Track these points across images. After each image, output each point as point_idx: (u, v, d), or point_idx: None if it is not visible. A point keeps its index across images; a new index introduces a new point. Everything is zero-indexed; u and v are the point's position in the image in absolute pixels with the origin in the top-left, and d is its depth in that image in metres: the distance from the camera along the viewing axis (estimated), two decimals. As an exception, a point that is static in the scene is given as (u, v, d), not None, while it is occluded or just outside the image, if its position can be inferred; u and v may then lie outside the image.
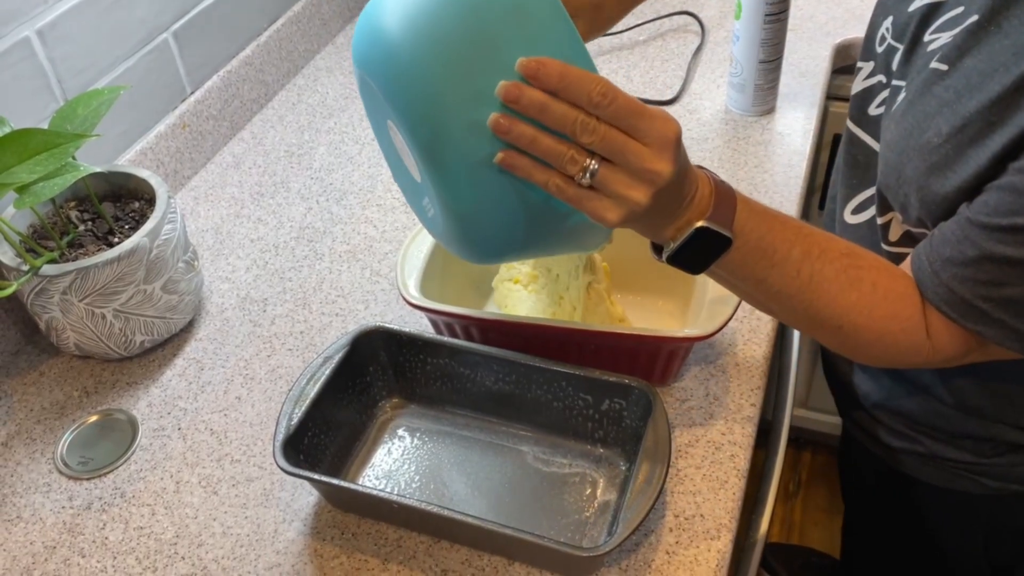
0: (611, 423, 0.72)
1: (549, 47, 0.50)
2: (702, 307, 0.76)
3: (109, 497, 0.73)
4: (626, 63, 1.20)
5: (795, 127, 1.07)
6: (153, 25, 0.98)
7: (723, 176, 1.00)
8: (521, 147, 0.51)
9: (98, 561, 0.68)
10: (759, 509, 0.92)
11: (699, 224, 0.56)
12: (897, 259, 0.69)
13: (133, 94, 0.97)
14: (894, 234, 0.71)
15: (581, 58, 0.51)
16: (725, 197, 0.57)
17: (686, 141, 1.06)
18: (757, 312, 0.84)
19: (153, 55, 0.99)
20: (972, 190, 0.58)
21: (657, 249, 0.60)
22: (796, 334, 0.98)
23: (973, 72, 0.58)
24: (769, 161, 1.02)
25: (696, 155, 1.04)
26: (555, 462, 0.73)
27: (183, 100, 1.05)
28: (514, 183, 0.53)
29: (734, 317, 0.75)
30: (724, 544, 0.66)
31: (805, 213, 1.00)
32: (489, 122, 0.50)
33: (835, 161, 0.85)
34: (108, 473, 0.75)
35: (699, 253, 0.58)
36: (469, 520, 0.62)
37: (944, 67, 0.61)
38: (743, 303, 0.82)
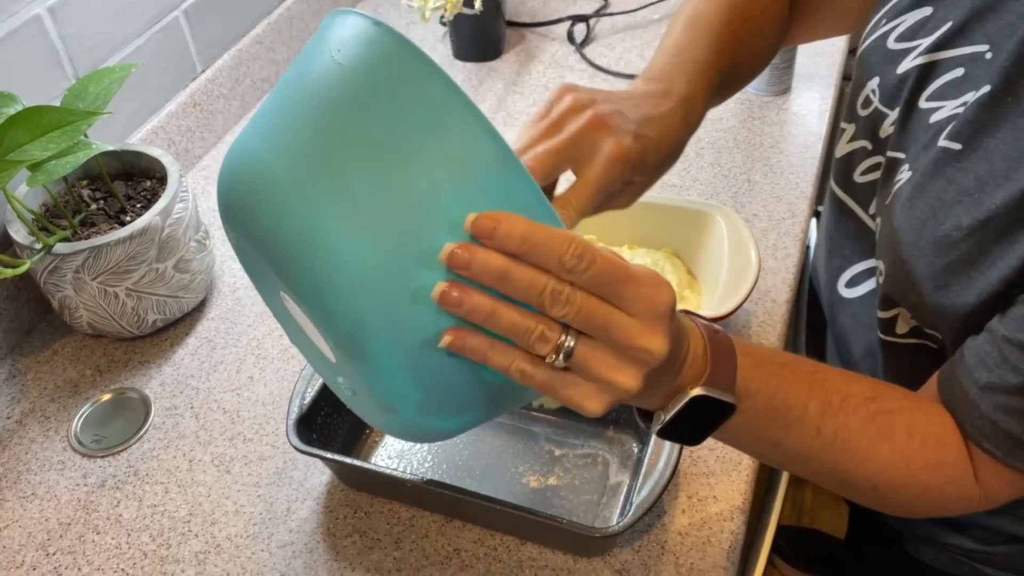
0: (623, 404, 0.71)
1: (500, 200, 0.38)
2: (717, 288, 0.75)
3: (123, 475, 0.73)
4: (640, 42, 1.19)
5: (811, 107, 1.06)
6: (164, 3, 0.98)
7: (739, 158, 0.99)
8: (474, 323, 0.39)
9: (112, 538, 0.69)
10: (772, 492, 0.92)
11: (695, 392, 0.46)
12: (905, 352, 0.64)
13: (144, 72, 0.97)
14: (902, 327, 0.64)
15: (542, 209, 0.39)
16: (723, 353, 0.47)
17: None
18: (773, 293, 0.83)
19: (164, 33, 0.99)
20: (1000, 296, 0.50)
21: (644, 415, 0.50)
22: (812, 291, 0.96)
23: (996, 155, 0.51)
24: (785, 142, 1.01)
25: (711, 136, 1.03)
26: (567, 443, 0.73)
27: (194, 79, 1.04)
28: (464, 367, 0.41)
29: (749, 299, 0.74)
30: (737, 526, 0.66)
31: (819, 195, 0.99)
32: (434, 294, 0.38)
33: (820, 220, 0.78)
34: (121, 451, 0.75)
35: (697, 424, 0.48)
36: (481, 500, 0.62)
37: (957, 146, 0.53)
38: (758, 286, 0.82)
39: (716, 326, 0.49)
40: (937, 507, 0.55)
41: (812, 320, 0.89)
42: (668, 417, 0.47)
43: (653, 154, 0.56)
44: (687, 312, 0.49)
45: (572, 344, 0.41)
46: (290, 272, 0.39)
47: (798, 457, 0.52)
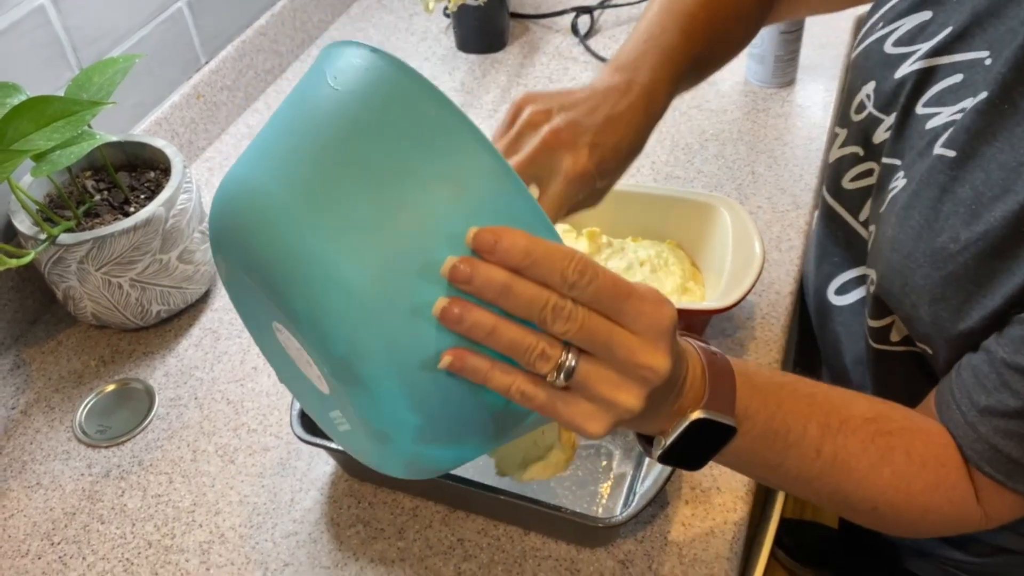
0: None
1: (500, 215, 0.38)
2: (721, 280, 0.75)
3: (127, 465, 0.74)
4: (644, 34, 1.19)
5: (815, 99, 1.05)
6: (167, -6, 0.98)
7: (743, 150, 0.99)
8: (475, 340, 0.38)
9: (117, 527, 0.69)
10: (774, 484, 0.92)
11: (694, 416, 0.45)
12: (897, 360, 0.64)
13: (147, 64, 0.97)
14: (896, 336, 0.64)
15: (541, 225, 0.39)
16: (721, 375, 0.47)
17: (705, 113, 1.05)
18: (777, 285, 0.83)
19: (167, 24, 0.98)
20: (1001, 314, 0.50)
21: (645, 439, 0.49)
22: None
23: (993, 164, 0.50)
24: (789, 134, 1.01)
25: (716, 128, 1.03)
26: (571, 434, 0.73)
27: (197, 70, 1.04)
28: (463, 391, 0.40)
29: (752, 291, 0.74)
30: (740, 517, 0.66)
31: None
32: (435, 310, 0.37)
33: (813, 226, 0.78)
34: (126, 441, 0.75)
35: (697, 448, 0.47)
36: (485, 490, 0.62)
37: (951, 153, 0.53)
38: (762, 278, 0.81)
39: (714, 348, 0.48)
40: (939, 527, 0.54)
41: (802, 327, 0.89)
42: (668, 442, 0.46)
43: (612, 160, 0.57)
44: (683, 335, 0.48)
45: (573, 363, 0.40)
46: (286, 297, 0.39)
47: (798, 479, 0.52)
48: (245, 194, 0.40)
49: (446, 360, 0.38)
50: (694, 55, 0.62)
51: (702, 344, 0.48)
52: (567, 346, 0.40)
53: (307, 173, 0.38)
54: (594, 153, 0.55)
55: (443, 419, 0.41)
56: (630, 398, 0.41)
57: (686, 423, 0.45)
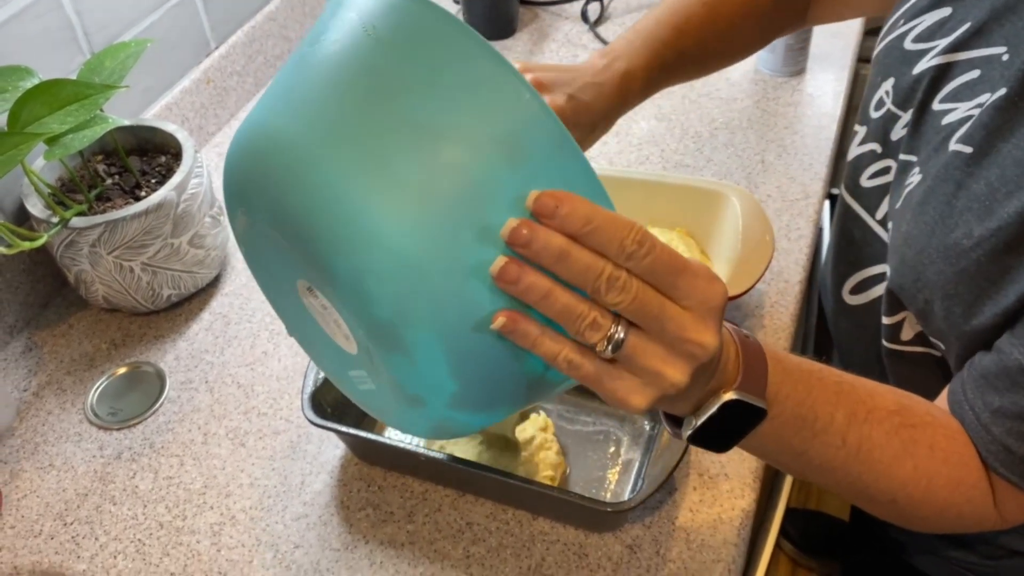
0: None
1: (556, 181, 0.37)
2: (730, 268, 0.75)
3: (139, 447, 0.74)
4: (654, 22, 1.18)
5: (826, 89, 1.05)
6: (178, -22, 0.98)
7: (753, 139, 0.99)
8: (529, 303, 0.38)
9: (129, 509, 0.70)
10: (781, 473, 0.92)
11: (727, 397, 0.45)
12: (910, 360, 0.64)
13: (158, 48, 0.97)
14: (907, 333, 0.64)
15: (598, 193, 0.38)
16: (754, 357, 0.47)
17: (715, 101, 1.05)
18: (786, 274, 0.83)
19: (178, 9, 0.98)
20: (1014, 313, 0.50)
21: (672, 420, 0.49)
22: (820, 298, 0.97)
23: (1008, 160, 0.50)
24: (799, 123, 1.00)
25: (726, 116, 1.02)
26: (579, 420, 0.73)
27: (207, 55, 1.04)
28: (506, 358, 0.40)
29: (762, 279, 0.74)
30: (748, 503, 0.66)
31: (834, 178, 0.99)
32: (494, 268, 0.37)
33: (824, 220, 0.78)
34: (137, 424, 0.76)
35: (726, 430, 0.47)
36: (494, 474, 0.63)
37: (968, 149, 0.53)
38: (771, 266, 0.81)
39: (746, 332, 0.48)
40: (954, 525, 0.54)
41: (819, 326, 0.88)
42: (699, 421, 0.46)
43: (585, 114, 0.64)
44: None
45: (622, 335, 0.39)
46: (324, 257, 0.37)
47: (820, 467, 0.51)
48: (278, 144, 0.37)
49: (500, 320, 0.38)
50: (683, 50, 0.69)
51: (733, 326, 0.48)
52: (617, 318, 0.40)
53: (351, 127, 0.36)
54: (570, 101, 0.63)
55: (480, 386, 0.40)
56: (676, 373, 0.41)
57: (719, 403, 0.45)
